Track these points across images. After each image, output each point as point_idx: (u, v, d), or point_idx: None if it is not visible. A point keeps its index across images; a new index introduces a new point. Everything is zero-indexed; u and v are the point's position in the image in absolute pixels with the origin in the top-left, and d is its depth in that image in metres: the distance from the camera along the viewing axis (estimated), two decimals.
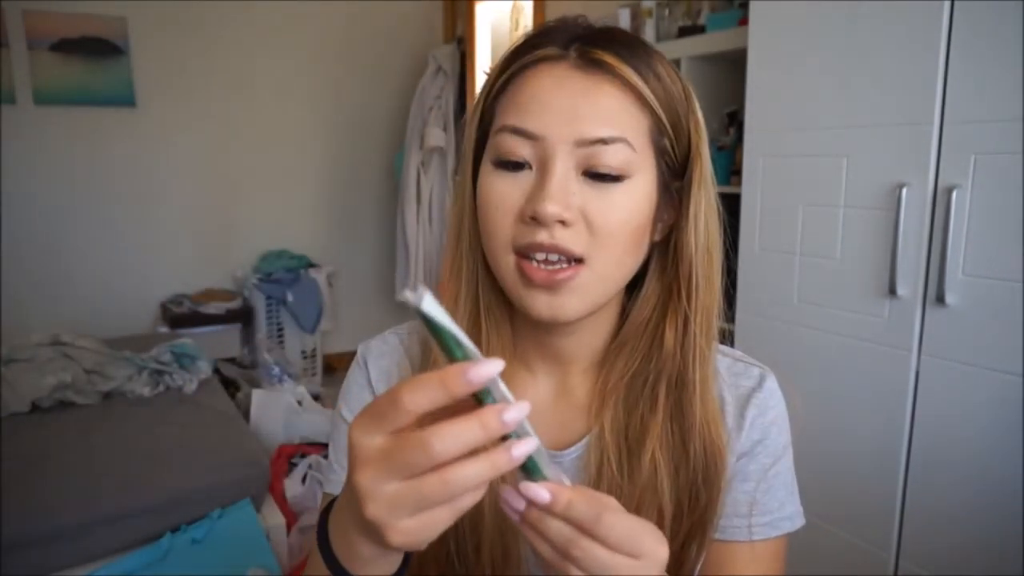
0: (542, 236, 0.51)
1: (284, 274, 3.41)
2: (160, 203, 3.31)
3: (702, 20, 1.99)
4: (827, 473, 1.47)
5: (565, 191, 0.51)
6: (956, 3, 1.18)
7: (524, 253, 0.53)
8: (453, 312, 0.60)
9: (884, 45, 1.30)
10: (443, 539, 0.59)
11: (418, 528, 0.36)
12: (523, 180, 0.53)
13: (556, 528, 0.40)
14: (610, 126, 0.51)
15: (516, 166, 0.53)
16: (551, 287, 0.53)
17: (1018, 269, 1.14)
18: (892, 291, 1.31)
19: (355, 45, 3.67)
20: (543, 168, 0.52)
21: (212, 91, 3.34)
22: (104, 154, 3.14)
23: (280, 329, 3.44)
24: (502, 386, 0.36)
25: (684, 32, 2.03)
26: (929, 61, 1.22)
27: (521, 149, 0.52)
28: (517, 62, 0.54)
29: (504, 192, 0.53)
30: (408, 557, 0.49)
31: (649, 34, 2.13)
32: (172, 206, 3.34)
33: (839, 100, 1.39)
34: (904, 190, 1.27)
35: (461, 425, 0.34)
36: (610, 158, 0.51)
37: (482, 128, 0.57)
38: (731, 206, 1.67)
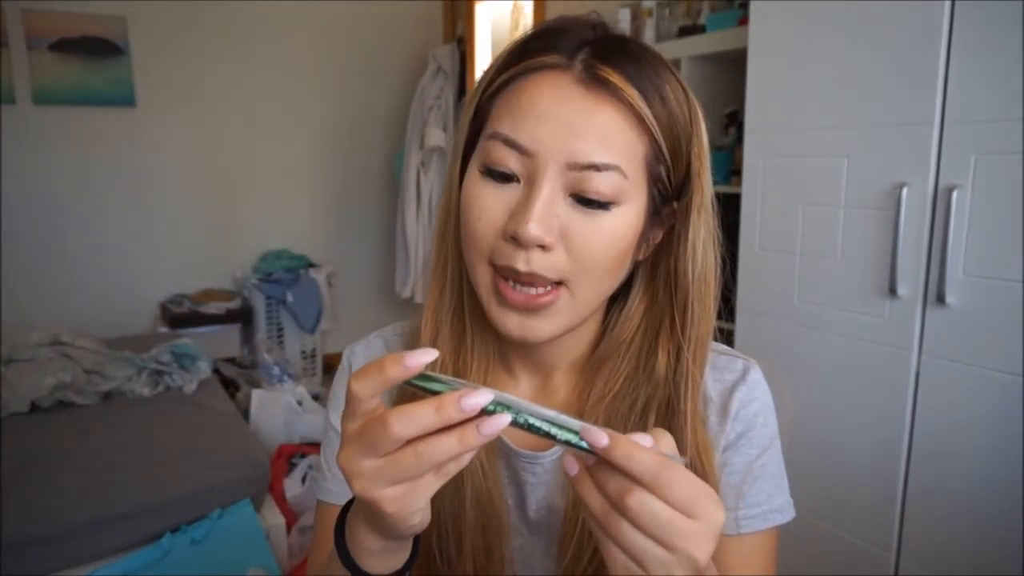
0: (519, 262, 0.50)
1: (284, 274, 3.42)
2: (160, 203, 3.31)
3: (702, 20, 1.99)
4: (827, 473, 1.47)
5: (549, 214, 0.50)
6: (956, 3, 1.18)
7: (500, 272, 0.52)
8: (438, 308, 0.60)
9: (884, 45, 1.30)
10: (425, 535, 0.59)
11: (403, 494, 0.40)
12: (509, 193, 0.51)
13: (614, 479, 0.39)
14: (605, 151, 0.49)
15: (504, 177, 0.51)
16: (529, 311, 0.52)
17: (1018, 269, 1.14)
18: (892, 291, 1.31)
19: (355, 45, 3.67)
20: (530, 185, 0.50)
21: (212, 91, 3.34)
22: (104, 154, 3.14)
23: (280, 329, 3.44)
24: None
25: (684, 32, 2.04)
26: (929, 61, 1.22)
27: (511, 161, 0.51)
28: (520, 64, 0.52)
29: (488, 204, 0.52)
30: (414, 555, 0.49)
31: (649, 34, 2.13)
32: (172, 206, 3.34)
33: (839, 100, 1.39)
34: (904, 190, 1.27)
35: (418, 409, 0.37)
36: (600, 184, 0.49)
37: (475, 123, 0.55)
38: (731, 206, 1.67)
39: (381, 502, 0.40)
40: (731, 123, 1.94)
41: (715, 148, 1.92)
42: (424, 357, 0.38)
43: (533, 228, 0.49)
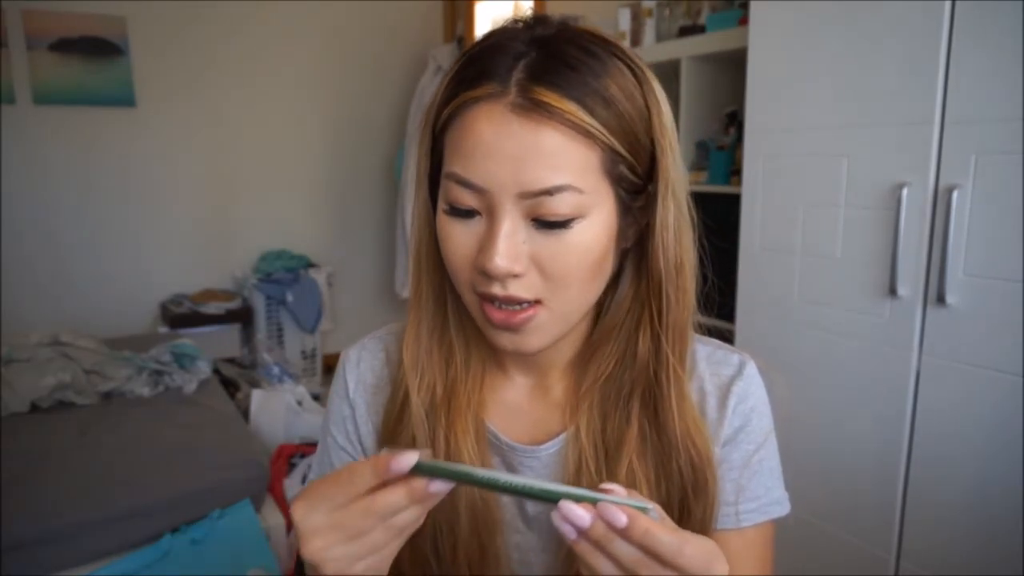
0: (496, 288, 0.51)
1: (284, 274, 3.41)
2: (160, 203, 3.31)
3: (702, 20, 1.98)
4: (827, 473, 1.47)
5: (513, 245, 0.50)
6: (956, 3, 1.18)
7: (483, 296, 0.53)
8: (416, 340, 0.61)
9: (884, 45, 1.30)
10: (421, 540, 0.60)
11: (350, 554, 0.43)
12: (475, 227, 0.52)
13: (626, 550, 0.41)
14: (554, 173, 0.49)
15: (467, 213, 0.52)
16: (511, 328, 0.53)
17: (1018, 269, 1.14)
18: (892, 291, 1.31)
19: (355, 45, 3.67)
20: (491, 219, 0.51)
21: (212, 91, 3.34)
22: (104, 154, 3.14)
23: (280, 329, 3.44)
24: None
25: (684, 32, 2.03)
26: (929, 61, 1.22)
27: (468, 199, 0.51)
28: (458, 98, 0.51)
29: (458, 240, 0.53)
30: None
31: (649, 34, 2.13)
32: (172, 206, 3.34)
33: (839, 100, 1.39)
34: (904, 190, 1.27)
35: (361, 464, 0.43)
36: (557, 206, 0.49)
37: (435, 154, 0.56)
38: (731, 206, 1.67)
39: (326, 566, 0.43)
40: (731, 123, 1.94)
41: (715, 148, 1.92)
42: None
43: (500, 262, 0.49)
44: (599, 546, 0.41)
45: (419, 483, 0.42)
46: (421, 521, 0.45)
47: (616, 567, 0.41)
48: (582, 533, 0.41)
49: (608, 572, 0.41)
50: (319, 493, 0.43)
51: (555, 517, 0.42)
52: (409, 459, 0.42)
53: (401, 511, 0.43)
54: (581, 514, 0.40)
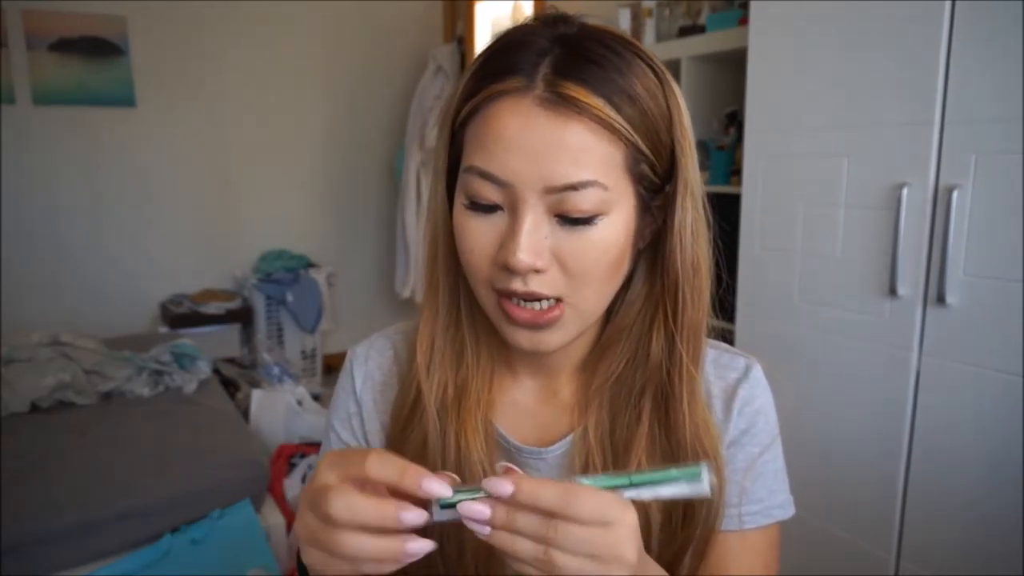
0: (516, 284, 0.51)
1: (284, 274, 3.41)
2: (160, 203, 3.31)
3: (702, 20, 1.99)
4: (827, 473, 1.47)
5: (536, 240, 0.50)
6: (956, 3, 1.18)
7: (502, 293, 0.53)
8: (432, 335, 0.61)
9: (884, 45, 1.30)
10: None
11: (318, 561, 0.43)
12: (496, 221, 0.52)
13: (526, 521, 0.41)
14: (580, 169, 0.49)
15: (488, 208, 0.52)
16: (537, 327, 0.53)
17: (1018, 269, 1.14)
18: (892, 291, 1.31)
19: (355, 45, 3.67)
20: (513, 214, 0.51)
21: (212, 91, 3.34)
22: (104, 154, 3.14)
23: (280, 329, 3.44)
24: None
25: (684, 32, 2.04)
26: (929, 61, 1.22)
27: (490, 193, 0.51)
28: (481, 93, 0.51)
29: (478, 235, 0.52)
30: None
31: (649, 34, 2.13)
32: (172, 206, 3.34)
33: (839, 100, 1.39)
34: (904, 190, 1.27)
35: (365, 499, 0.41)
36: (582, 202, 0.49)
37: (453, 150, 0.55)
38: (731, 206, 1.67)
39: (304, 551, 0.44)
40: (731, 123, 1.94)
41: (715, 148, 1.92)
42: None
43: (523, 257, 0.49)
44: (510, 529, 0.42)
45: (395, 543, 0.41)
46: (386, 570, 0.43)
47: (529, 543, 0.41)
48: (491, 524, 0.42)
49: (526, 550, 0.41)
50: (347, 462, 0.43)
51: (466, 518, 0.42)
52: (441, 489, 0.41)
53: (371, 559, 0.41)
54: (479, 507, 0.42)
